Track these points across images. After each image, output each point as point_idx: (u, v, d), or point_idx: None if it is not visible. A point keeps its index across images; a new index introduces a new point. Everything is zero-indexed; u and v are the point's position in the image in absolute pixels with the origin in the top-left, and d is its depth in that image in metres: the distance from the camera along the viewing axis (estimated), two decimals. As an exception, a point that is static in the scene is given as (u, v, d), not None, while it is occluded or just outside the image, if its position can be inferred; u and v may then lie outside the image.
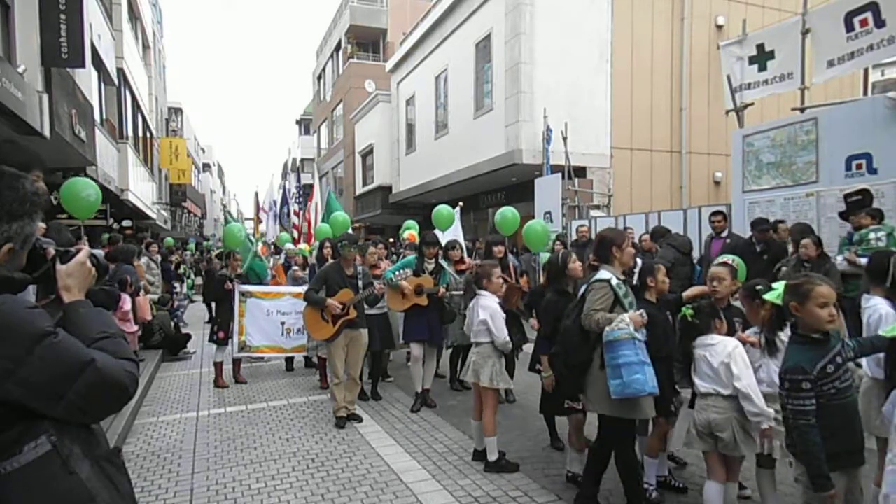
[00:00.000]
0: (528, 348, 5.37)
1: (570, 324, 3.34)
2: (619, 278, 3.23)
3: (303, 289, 6.42)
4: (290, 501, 3.69)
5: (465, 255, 6.91)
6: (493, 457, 4.06)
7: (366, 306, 5.53)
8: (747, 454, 2.93)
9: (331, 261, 5.99)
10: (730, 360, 2.92)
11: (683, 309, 3.15)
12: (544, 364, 3.96)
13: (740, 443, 2.90)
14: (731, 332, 3.46)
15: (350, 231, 8.52)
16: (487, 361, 4.13)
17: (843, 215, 6.32)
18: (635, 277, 3.69)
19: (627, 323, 3.01)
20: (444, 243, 6.62)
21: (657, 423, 3.62)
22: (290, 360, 7.76)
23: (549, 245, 8.86)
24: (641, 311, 3.12)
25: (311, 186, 15.83)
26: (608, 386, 3.05)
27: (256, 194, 16.52)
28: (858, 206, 6.06)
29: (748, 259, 6.29)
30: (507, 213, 7.65)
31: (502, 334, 4.11)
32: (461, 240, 7.50)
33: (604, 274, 3.23)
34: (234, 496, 3.80)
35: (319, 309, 5.22)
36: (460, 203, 8.06)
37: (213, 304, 13.63)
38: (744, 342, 3.08)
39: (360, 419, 5.32)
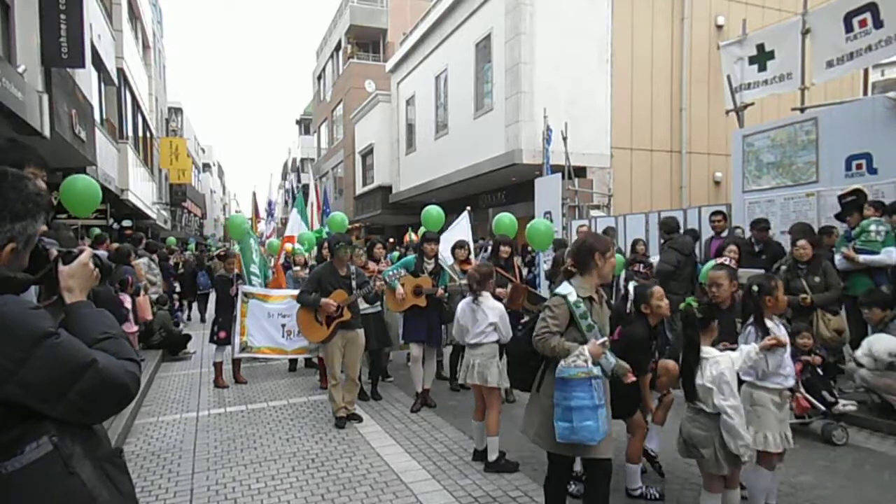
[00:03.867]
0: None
1: (519, 335, 3.09)
2: (580, 295, 2.81)
3: None
4: (290, 501, 3.70)
5: (474, 256, 6.92)
6: (493, 456, 4.07)
7: (365, 304, 5.52)
8: (729, 472, 2.87)
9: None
10: (715, 384, 2.81)
11: (688, 299, 3.03)
12: None
13: (722, 460, 2.82)
14: (731, 335, 3.46)
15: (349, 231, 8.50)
16: (492, 362, 4.15)
17: (839, 217, 6.31)
18: (629, 305, 3.59)
19: (586, 358, 2.67)
20: (451, 244, 6.64)
21: (635, 425, 3.57)
22: (293, 361, 7.76)
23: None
24: (604, 339, 2.79)
25: (309, 187, 15.87)
26: (552, 422, 2.73)
27: (255, 194, 16.50)
28: (854, 206, 6.04)
29: (747, 259, 6.30)
30: (503, 219, 7.64)
31: (511, 333, 4.10)
32: (472, 243, 7.46)
33: (564, 288, 2.85)
34: (234, 496, 3.80)
35: (313, 311, 5.20)
36: (468, 207, 8.03)
37: (187, 303, 13.80)
38: (774, 346, 3.00)
39: (360, 419, 5.32)
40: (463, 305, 4.42)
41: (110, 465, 1.37)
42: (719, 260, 3.99)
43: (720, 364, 2.84)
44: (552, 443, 2.78)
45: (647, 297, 3.45)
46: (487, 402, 4.17)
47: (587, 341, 2.76)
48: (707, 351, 2.92)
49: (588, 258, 2.89)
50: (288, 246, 10.96)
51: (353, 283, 5.27)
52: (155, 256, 11.02)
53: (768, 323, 3.15)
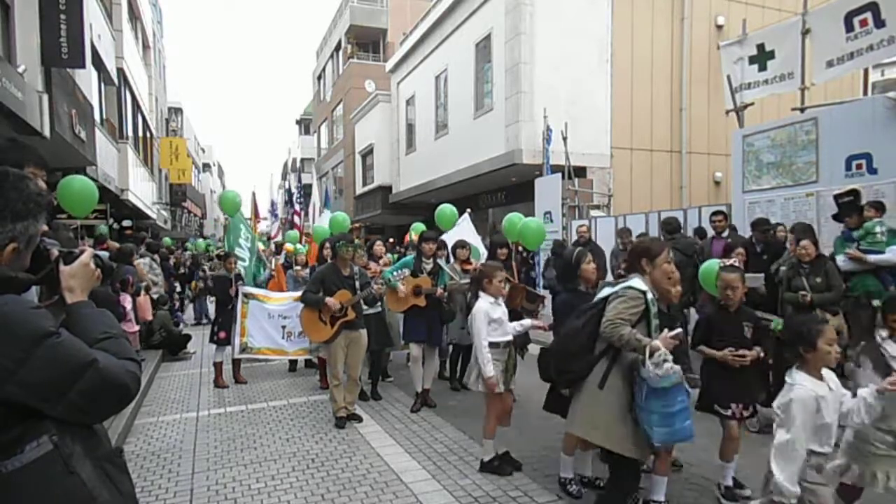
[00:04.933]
0: (533, 348, 5.37)
1: (577, 325, 2.92)
2: (653, 296, 2.83)
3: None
4: (290, 501, 3.70)
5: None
6: (486, 457, 4.04)
7: (364, 306, 5.52)
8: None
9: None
10: (780, 410, 2.41)
11: (774, 322, 2.93)
12: None
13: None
14: (740, 339, 3.44)
15: (350, 231, 8.47)
16: (476, 365, 4.08)
17: (837, 217, 6.26)
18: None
19: (667, 357, 2.57)
20: (451, 244, 6.64)
21: None
22: (293, 361, 7.74)
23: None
24: (677, 330, 2.69)
25: (311, 186, 15.90)
26: (644, 424, 2.68)
27: (254, 194, 16.49)
28: (852, 206, 6.02)
29: (748, 259, 6.30)
30: (513, 219, 7.60)
31: (477, 337, 3.96)
32: (480, 245, 7.44)
33: (640, 283, 2.81)
34: (234, 496, 3.80)
35: (317, 311, 5.19)
36: (469, 210, 8.03)
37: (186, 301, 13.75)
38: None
39: (360, 419, 5.32)
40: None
41: (110, 465, 1.37)
42: (727, 261, 3.89)
43: (787, 394, 2.42)
44: (626, 444, 2.73)
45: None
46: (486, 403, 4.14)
47: (651, 337, 2.73)
48: (793, 376, 2.46)
49: (636, 262, 2.90)
50: (288, 246, 10.99)
51: (357, 284, 5.26)
52: (156, 256, 11.05)
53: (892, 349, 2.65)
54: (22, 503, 1.20)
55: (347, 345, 5.24)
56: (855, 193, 6.10)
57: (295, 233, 13.84)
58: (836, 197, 6.25)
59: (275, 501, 3.71)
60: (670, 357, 2.59)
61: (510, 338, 4.10)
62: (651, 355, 2.57)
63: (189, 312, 14.17)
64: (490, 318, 4.02)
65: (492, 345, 3.99)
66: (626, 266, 2.92)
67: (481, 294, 4.17)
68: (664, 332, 2.73)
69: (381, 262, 7.04)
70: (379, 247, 7.39)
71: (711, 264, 4.64)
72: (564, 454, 3.69)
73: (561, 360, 2.97)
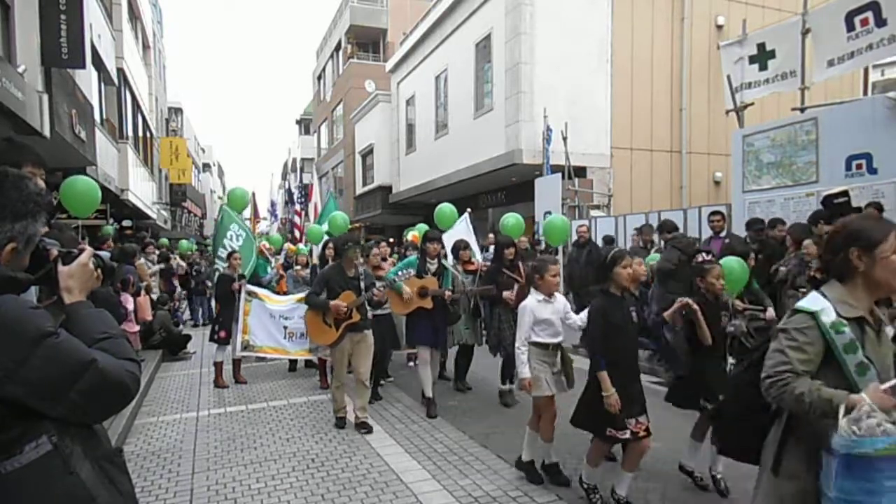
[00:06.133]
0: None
1: (739, 373, 2.11)
2: (843, 315, 1.75)
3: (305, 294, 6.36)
4: (290, 501, 3.69)
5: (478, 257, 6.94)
6: (547, 460, 3.90)
7: (368, 308, 5.49)
8: None
9: (332, 262, 5.91)
10: None
11: None
12: (604, 383, 3.25)
13: None
14: (717, 326, 3.49)
15: (350, 231, 8.44)
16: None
17: (830, 220, 6.18)
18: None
19: (879, 419, 1.56)
20: (450, 244, 6.62)
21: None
22: (293, 361, 7.73)
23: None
24: (893, 382, 1.65)
25: (310, 186, 15.92)
26: None
27: (253, 195, 16.53)
28: (848, 207, 5.99)
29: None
30: (509, 220, 7.60)
31: (519, 336, 3.79)
32: (474, 244, 7.43)
33: (815, 300, 1.79)
34: (234, 496, 3.80)
35: (321, 313, 5.12)
36: (469, 209, 8.02)
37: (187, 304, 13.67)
38: None
39: (370, 429, 5.03)
40: None
41: (110, 465, 1.37)
42: None
43: None
44: None
45: (705, 272, 3.67)
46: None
47: (855, 389, 1.69)
48: None
49: (839, 255, 1.80)
50: (290, 245, 11.02)
51: (362, 285, 5.15)
52: (154, 256, 11.06)
53: None
54: (21, 503, 1.20)
55: (352, 347, 5.14)
56: (847, 194, 6.09)
57: (277, 236, 13.81)
58: (829, 198, 6.21)
59: (275, 501, 3.71)
60: (880, 415, 1.58)
61: (560, 339, 3.86)
62: (849, 411, 1.61)
63: (187, 314, 14.17)
64: (536, 317, 3.78)
65: (539, 345, 3.78)
66: (820, 265, 1.91)
67: (532, 291, 3.94)
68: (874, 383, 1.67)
69: (387, 263, 7.04)
70: (384, 248, 7.36)
71: (729, 262, 4.56)
72: (589, 464, 3.50)
73: (722, 427, 2.11)
